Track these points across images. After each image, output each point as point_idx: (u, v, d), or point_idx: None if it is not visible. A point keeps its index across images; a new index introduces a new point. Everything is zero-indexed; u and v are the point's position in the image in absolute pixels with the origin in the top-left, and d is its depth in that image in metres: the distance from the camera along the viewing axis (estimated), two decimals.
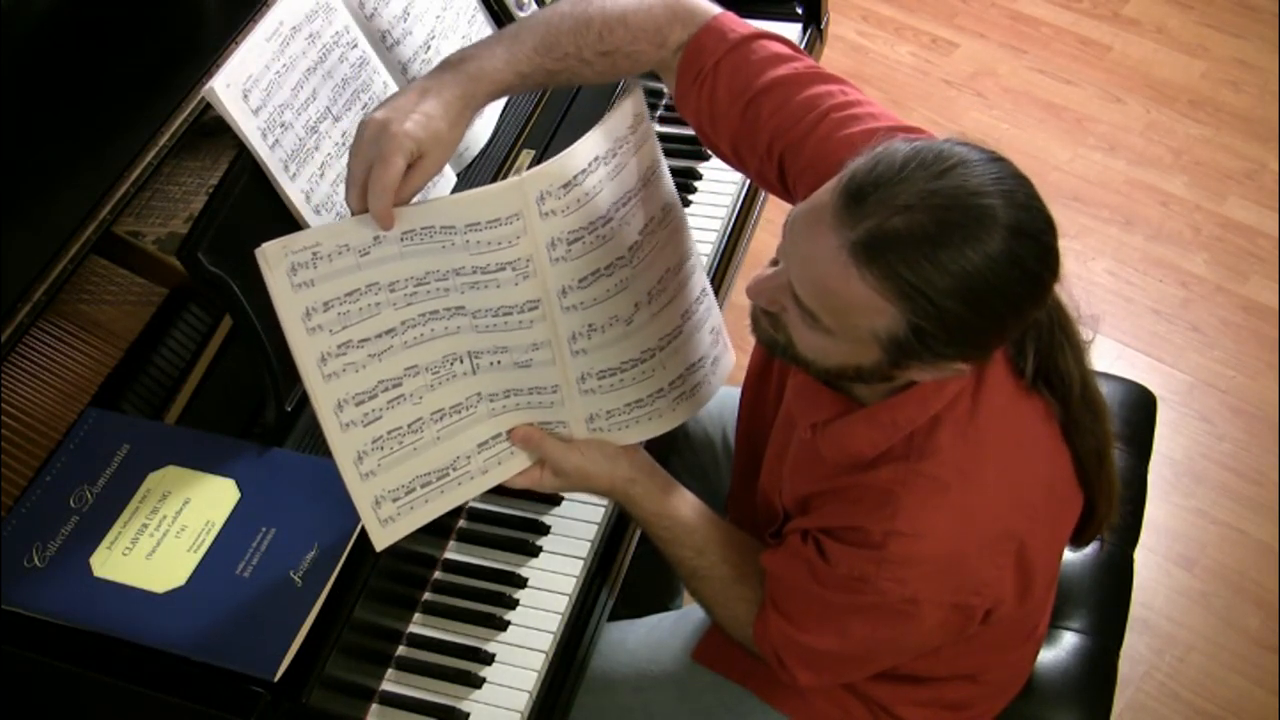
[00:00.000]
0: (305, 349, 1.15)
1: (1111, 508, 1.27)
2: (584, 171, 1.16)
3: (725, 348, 1.41)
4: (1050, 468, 1.22)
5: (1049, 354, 1.17)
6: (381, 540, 1.23)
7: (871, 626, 1.22)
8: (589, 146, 1.17)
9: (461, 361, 1.23)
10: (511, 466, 1.31)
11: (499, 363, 1.23)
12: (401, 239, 1.15)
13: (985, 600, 1.20)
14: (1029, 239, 1.03)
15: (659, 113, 1.89)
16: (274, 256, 1.12)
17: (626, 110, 1.22)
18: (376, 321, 1.17)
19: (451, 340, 1.22)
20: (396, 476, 1.22)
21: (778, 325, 1.14)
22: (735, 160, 1.34)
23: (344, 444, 1.19)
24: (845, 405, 1.21)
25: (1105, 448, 1.23)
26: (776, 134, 1.26)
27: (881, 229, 1.01)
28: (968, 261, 1.01)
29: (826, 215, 1.04)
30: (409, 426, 1.22)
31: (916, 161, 1.02)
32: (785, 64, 1.28)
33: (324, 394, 1.17)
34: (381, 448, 1.21)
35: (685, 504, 1.33)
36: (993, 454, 1.17)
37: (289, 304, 1.13)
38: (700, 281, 1.35)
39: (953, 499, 1.16)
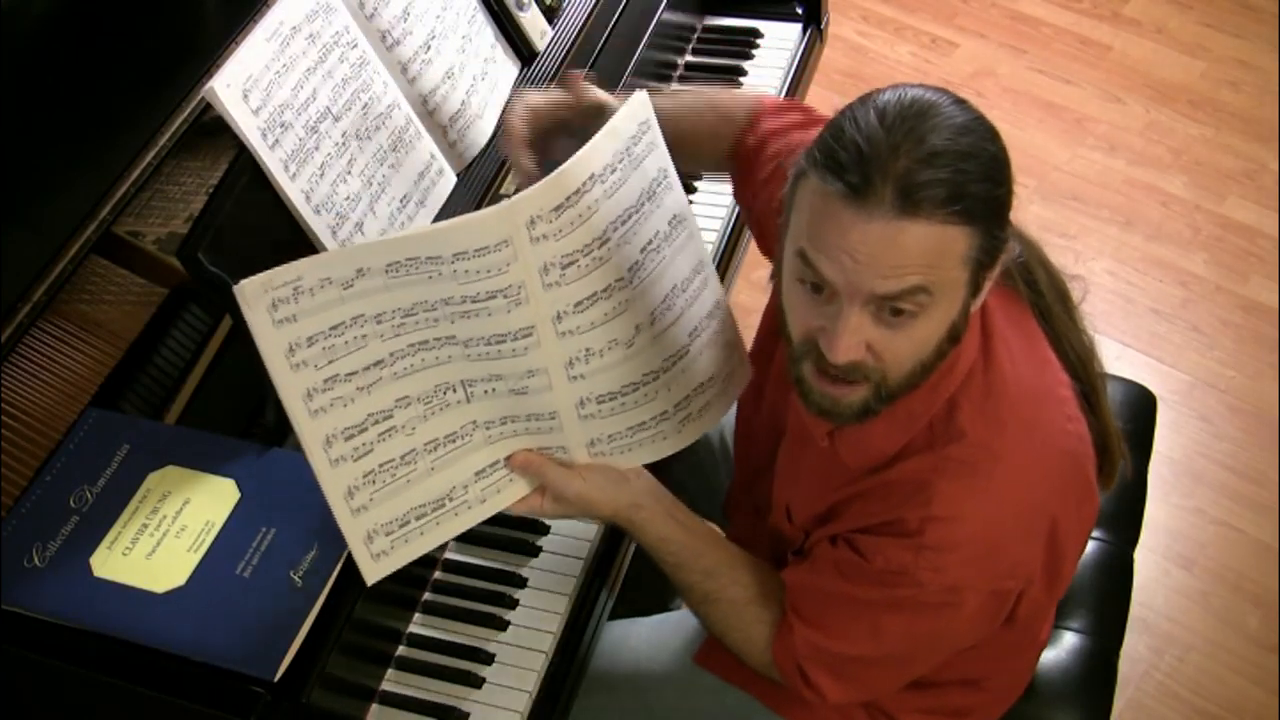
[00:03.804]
0: (289, 386, 1.12)
1: (1108, 405, 1.28)
2: (577, 192, 1.12)
3: (740, 363, 1.36)
4: (1070, 420, 1.21)
5: (1027, 263, 1.22)
6: (373, 575, 1.20)
7: (908, 622, 1.20)
8: (584, 164, 1.13)
9: (455, 390, 1.20)
10: (511, 494, 1.28)
11: (494, 390, 1.20)
12: (386, 271, 1.11)
13: (1018, 582, 1.19)
14: (962, 102, 1.08)
15: None
16: (253, 294, 1.08)
17: (629, 118, 1.17)
18: (363, 354, 1.14)
19: (443, 370, 1.19)
20: (389, 510, 1.20)
21: (864, 374, 1.11)
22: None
23: (333, 480, 1.16)
24: None
25: (1091, 344, 1.26)
26: None
27: (899, 184, 1.02)
28: (956, 143, 1.04)
29: (848, 217, 1.04)
30: (401, 459, 1.19)
31: (869, 128, 1.04)
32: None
33: (311, 430, 1.14)
34: (373, 482, 1.18)
35: (692, 527, 1.30)
36: (1014, 427, 1.17)
37: (270, 341, 1.10)
38: (712, 296, 1.30)
39: (983, 479, 1.15)
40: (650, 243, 1.20)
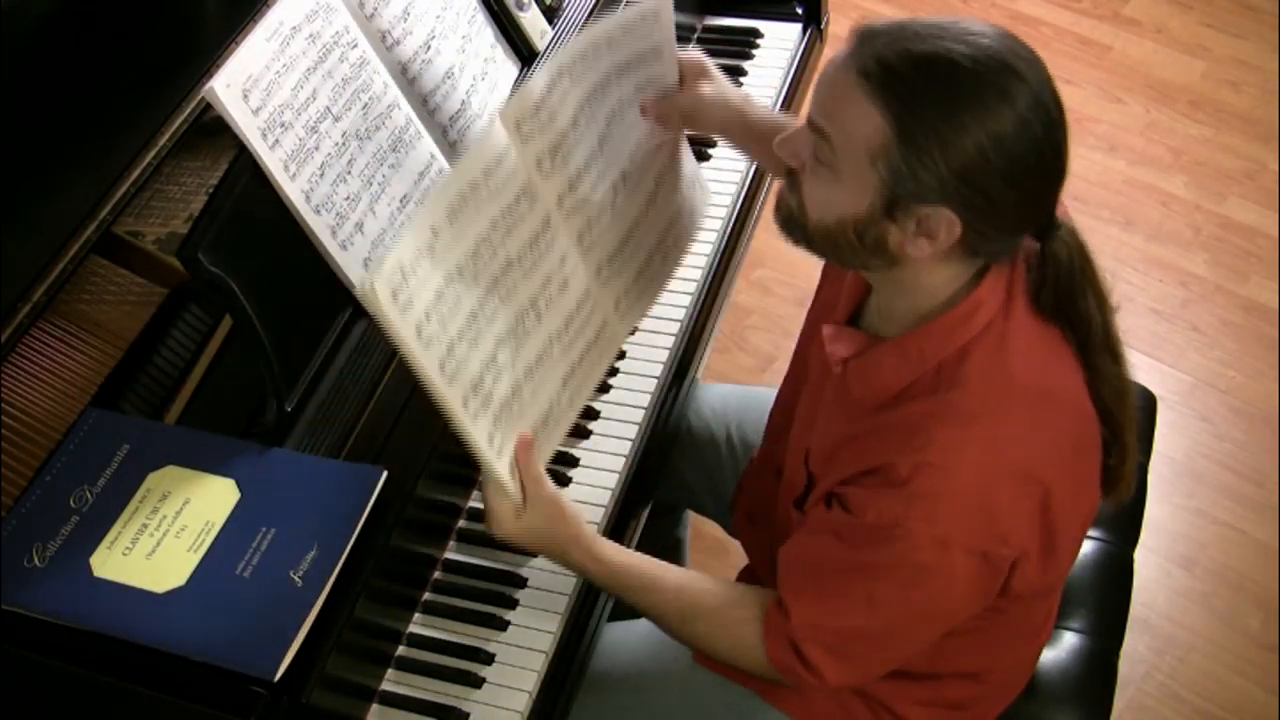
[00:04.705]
0: (426, 365, 1.16)
1: (1135, 440, 1.28)
2: (549, 87, 1.26)
3: (701, 189, 1.56)
4: (1075, 406, 1.22)
5: (1069, 293, 1.20)
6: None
7: (901, 588, 1.19)
8: (554, 63, 1.27)
9: (529, 315, 1.29)
10: (590, 382, 1.39)
11: (551, 298, 1.31)
12: (450, 221, 1.18)
13: (1012, 550, 1.18)
14: (1022, 79, 1.09)
15: None
16: (378, 290, 1.11)
17: (632, 12, 1.34)
18: (463, 312, 1.20)
19: (516, 299, 1.27)
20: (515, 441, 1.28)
21: (794, 187, 1.20)
22: None
23: (477, 433, 1.22)
24: (874, 341, 1.24)
25: (1124, 387, 1.26)
26: None
27: (877, 56, 1.11)
28: (949, 74, 1.08)
29: (841, 57, 1.14)
30: (513, 394, 1.26)
31: (918, 20, 1.13)
32: None
33: (450, 397, 1.18)
34: (501, 423, 1.25)
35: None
36: (1020, 387, 1.18)
37: (400, 328, 1.13)
38: (661, 134, 1.44)
39: (980, 431, 1.16)
40: (614, 111, 1.36)
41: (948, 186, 1.09)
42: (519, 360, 1.28)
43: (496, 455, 1.24)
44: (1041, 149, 1.10)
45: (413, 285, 1.14)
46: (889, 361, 1.21)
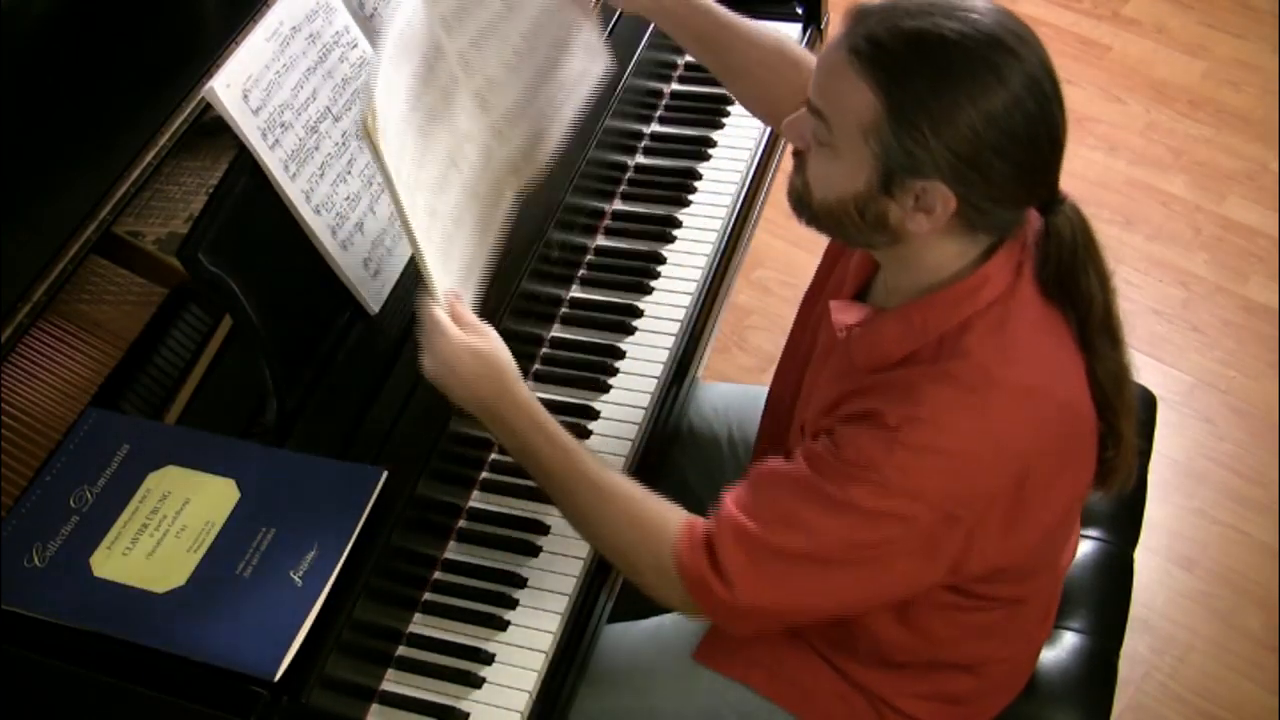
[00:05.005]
0: (406, 202, 1.24)
1: (1133, 431, 1.27)
2: None
3: (601, 57, 1.59)
4: (1070, 394, 1.22)
5: (1071, 269, 1.20)
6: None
7: (851, 527, 1.17)
8: None
9: (450, 170, 1.36)
10: (492, 239, 1.43)
11: (464, 153, 1.38)
12: (394, 73, 1.26)
13: (971, 516, 1.18)
14: (1016, 55, 1.10)
15: (659, 112, 1.89)
16: (377, 128, 1.19)
17: None
18: (408, 156, 1.26)
19: (440, 153, 1.34)
20: (450, 281, 1.33)
21: (800, 168, 1.22)
22: None
23: (434, 269, 1.28)
24: (879, 311, 1.25)
25: (1123, 373, 1.25)
26: None
27: (866, 33, 1.12)
28: (939, 49, 1.09)
29: (835, 37, 1.15)
30: (447, 241, 1.33)
31: (911, 2, 1.13)
32: None
33: (421, 239, 1.26)
34: (447, 267, 1.31)
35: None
36: (1019, 364, 1.18)
37: (391, 165, 1.21)
38: (576, 7, 1.53)
39: (975, 397, 1.16)
40: None
41: (940, 161, 1.10)
42: (447, 210, 1.34)
43: (440, 300, 1.28)
44: (1036, 125, 1.11)
45: (390, 132, 1.23)
46: (891, 330, 1.22)
